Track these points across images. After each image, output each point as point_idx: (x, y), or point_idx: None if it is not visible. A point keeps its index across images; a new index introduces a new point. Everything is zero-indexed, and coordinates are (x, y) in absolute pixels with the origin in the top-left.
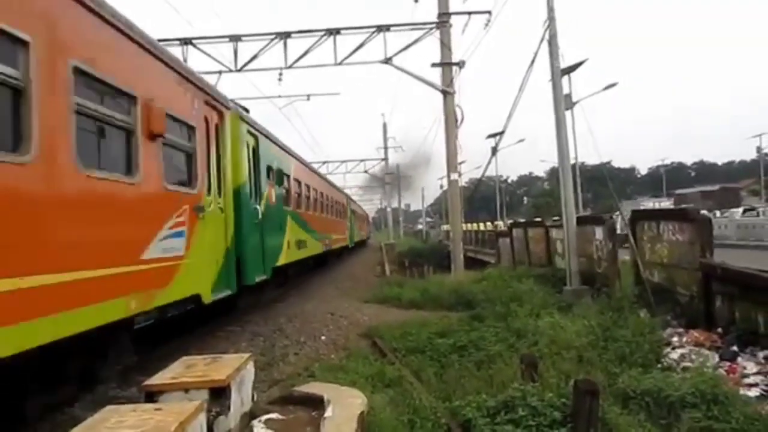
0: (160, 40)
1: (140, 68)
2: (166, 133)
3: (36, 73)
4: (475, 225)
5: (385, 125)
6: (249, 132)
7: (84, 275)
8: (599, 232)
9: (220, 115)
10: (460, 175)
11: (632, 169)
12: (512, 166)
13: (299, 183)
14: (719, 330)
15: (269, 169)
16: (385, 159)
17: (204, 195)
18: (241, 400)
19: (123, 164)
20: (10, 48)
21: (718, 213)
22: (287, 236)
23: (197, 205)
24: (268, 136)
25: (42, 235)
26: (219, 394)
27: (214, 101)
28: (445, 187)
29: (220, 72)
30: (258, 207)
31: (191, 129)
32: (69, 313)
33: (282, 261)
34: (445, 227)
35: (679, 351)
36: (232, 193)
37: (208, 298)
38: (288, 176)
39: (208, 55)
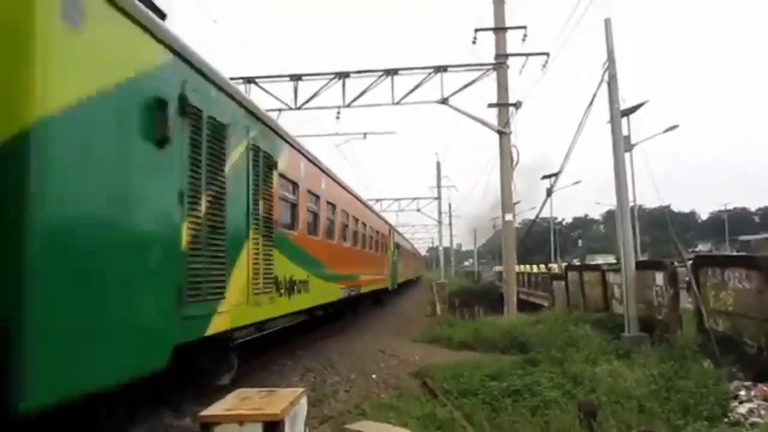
0: None
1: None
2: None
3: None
4: (527, 267)
5: (438, 164)
6: None
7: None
8: (659, 278)
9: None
10: (514, 216)
11: (692, 214)
12: (567, 207)
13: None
14: None
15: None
16: (438, 198)
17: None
18: None
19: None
20: None
21: None
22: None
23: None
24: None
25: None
26: (273, 428)
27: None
28: (499, 227)
29: (280, 110)
30: None
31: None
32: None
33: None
34: (497, 268)
35: (747, 405)
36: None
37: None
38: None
39: (270, 94)
